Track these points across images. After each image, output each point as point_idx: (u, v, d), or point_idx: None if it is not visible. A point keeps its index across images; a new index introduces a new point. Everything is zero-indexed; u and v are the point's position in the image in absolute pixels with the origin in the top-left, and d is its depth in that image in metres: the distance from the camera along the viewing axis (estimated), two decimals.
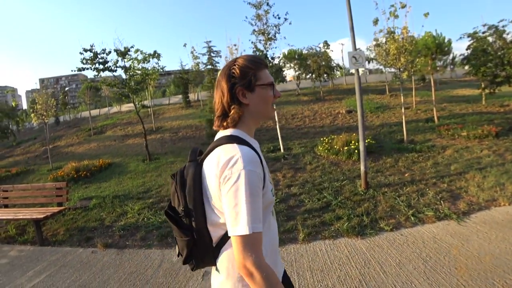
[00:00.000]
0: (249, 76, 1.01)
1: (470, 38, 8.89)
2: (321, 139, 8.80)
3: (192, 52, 15.48)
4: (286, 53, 17.86)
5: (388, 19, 7.66)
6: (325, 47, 17.56)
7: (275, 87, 1.09)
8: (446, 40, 9.27)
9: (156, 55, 15.10)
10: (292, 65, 17.97)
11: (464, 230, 3.93)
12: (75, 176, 9.97)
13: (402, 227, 4.13)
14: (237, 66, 1.02)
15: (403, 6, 7.47)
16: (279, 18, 8.67)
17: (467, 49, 9.25)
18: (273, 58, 9.11)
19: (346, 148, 7.47)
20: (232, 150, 0.92)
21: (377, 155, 7.65)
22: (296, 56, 17.46)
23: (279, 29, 8.73)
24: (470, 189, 5.17)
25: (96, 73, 10.61)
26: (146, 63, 15.10)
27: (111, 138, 16.41)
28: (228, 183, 0.87)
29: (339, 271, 3.25)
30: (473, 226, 4.02)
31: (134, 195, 6.99)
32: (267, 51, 8.82)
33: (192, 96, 22.53)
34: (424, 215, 4.39)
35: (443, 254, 3.42)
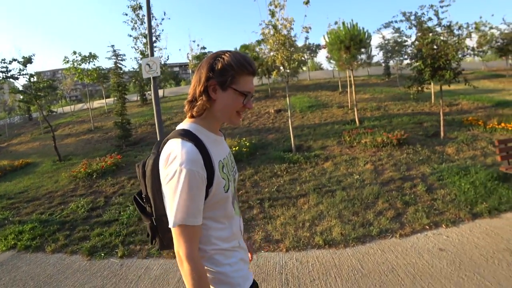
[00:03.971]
0: (227, 75, 0.95)
1: (391, 28, 7.14)
2: None
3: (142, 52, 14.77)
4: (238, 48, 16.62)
5: (270, 10, 6.31)
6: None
7: (250, 99, 1.01)
8: (364, 31, 7.52)
9: (92, 56, 14.75)
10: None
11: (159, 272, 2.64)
12: None
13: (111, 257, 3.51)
14: (221, 60, 0.95)
15: None
16: (156, 19, 7.78)
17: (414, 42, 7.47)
18: (164, 65, 8.24)
19: None
20: (175, 146, 0.91)
21: (243, 164, 6.29)
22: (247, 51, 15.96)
23: (161, 31, 7.86)
24: (276, 222, 3.82)
25: (2, 81, 10.35)
26: (87, 63, 14.98)
27: (57, 137, 15.84)
28: (167, 178, 0.88)
29: None
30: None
31: (10, 195, 6.90)
32: (148, 54, 7.96)
33: (160, 93, 21.88)
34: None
35: None
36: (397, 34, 7.15)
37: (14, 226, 4.73)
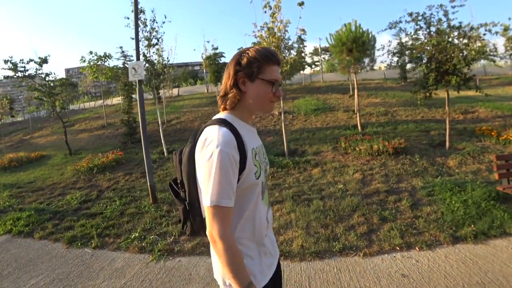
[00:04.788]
0: (253, 67, 1.02)
1: (397, 30, 6.63)
2: None
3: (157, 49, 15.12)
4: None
5: (265, 12, 6.23)
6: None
7: (278, 87, 1.07)
8: (368, 33, 6.99)
9: (107, 55, 15.30)
10: None
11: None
12: (6, 165, 10.58)
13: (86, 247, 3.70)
14: (246, 55, 1.04)
15: None
16: (156, 22, 7.94)
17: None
18: (165, 66, 8.46)
19: None
20: (211, 131, 0.97)
21: None
22: None
23: (162, 33, 8.07)
24: None
25: (21, 80, 11.04)
26: (103, 62, 15.59)
27: (72, 131, 16.63)
28: (203, 160, 0.94)
29: None
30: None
31: (20, 184, 7.52)
32: (150, 56, 8.14)
33: (175, 91, 22.18)
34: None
35: None
36: (403, 35, 6.67)
37: (14, 213, 5.11)
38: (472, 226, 3.36)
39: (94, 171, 7.60)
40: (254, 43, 6.85)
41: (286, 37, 6.15)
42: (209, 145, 0.93)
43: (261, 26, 6.35)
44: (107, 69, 15.73)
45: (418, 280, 2.55)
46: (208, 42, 34.37)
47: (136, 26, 5.22)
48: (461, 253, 2.93)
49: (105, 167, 7.86)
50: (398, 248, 3.06)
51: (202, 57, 17.81)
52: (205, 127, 1.03)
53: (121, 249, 3.52)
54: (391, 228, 3.43)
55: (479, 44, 5.66)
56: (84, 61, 15.16)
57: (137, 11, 5.22)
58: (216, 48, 15.76)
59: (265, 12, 6.30)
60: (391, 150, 5.73)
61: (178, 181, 1.12)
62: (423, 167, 5.26)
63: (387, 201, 4.14)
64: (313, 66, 19.89)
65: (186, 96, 20.30)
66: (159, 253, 3.32)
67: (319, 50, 18.17)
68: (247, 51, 1.05)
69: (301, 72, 20.22)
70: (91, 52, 15.12)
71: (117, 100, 25.55)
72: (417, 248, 3.05)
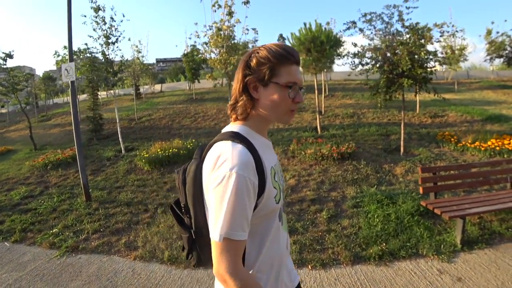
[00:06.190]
0: (264, 69, 0.85)
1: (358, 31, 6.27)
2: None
3: (136, 45, 14.67)
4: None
5: (215, 11, 5.98)
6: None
7: (298, 91, 0.88)
8: (326, 33, 6.58)
9: (81, 50, 14.99)
10: None
11: None
12: None
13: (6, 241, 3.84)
14: (256, 55, 0.87)
15: None
16: (114, 21, 7.74)
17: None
18: (122, 64, 8.20)
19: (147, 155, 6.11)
20: (225, 149, 0.81)
21: (176, 166, 5.86)
22: None
23: (122, 31, 7.79)
24: (151, 229, 3.42)
25: None
26: (78, 57, 15.28)
27: (46, 126, 16.29)
28: (214, 183, 0.78)
29: None
30: None
31: None
32: (108, 55, 7.87)
33: (157, 87, 21.78)
34: None
35: None
36: (361, 36, 6.31)
37: None
38: (384, 244, 3.01)
39: (49, 167, 7.46)
40: (205, 43, 6.54)
41: (232, 36, 5.88)
42: (222, 167, 0.78)
43: (209, 26, 6.11)
44: (82, 64, 15.42)
45: None
46: (190, 38, 33.25)
47: (69, 26, 5.06)
48: (356, 276, 2.58)
49: (60, 164, 7.69)
50: None
51: (184, 52, 17.44)
52: (214, 142, 0.88)
53: (36, 244, 3.61)
54: (294, 241, 3.07)
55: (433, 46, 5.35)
56: (58, 56, 14.83)
57: (70, 12, 5.01)
58: (194, 46, 15.30)
59: (215, 11, 6.05)
60: (336, 155, 5.36)
61: (182, 205, 0.95)
62: (365, 174, 4.90)
63: (307, 212, 3.78)
64: None
65: (167, 93, 19.91)
66: (65, 250, 3.38)
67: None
68: (257, 51, 0.89)
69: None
70: (65, 47, 14.82)
71: (100, 94, 25.14)
72: (309, 267, 2.70)
